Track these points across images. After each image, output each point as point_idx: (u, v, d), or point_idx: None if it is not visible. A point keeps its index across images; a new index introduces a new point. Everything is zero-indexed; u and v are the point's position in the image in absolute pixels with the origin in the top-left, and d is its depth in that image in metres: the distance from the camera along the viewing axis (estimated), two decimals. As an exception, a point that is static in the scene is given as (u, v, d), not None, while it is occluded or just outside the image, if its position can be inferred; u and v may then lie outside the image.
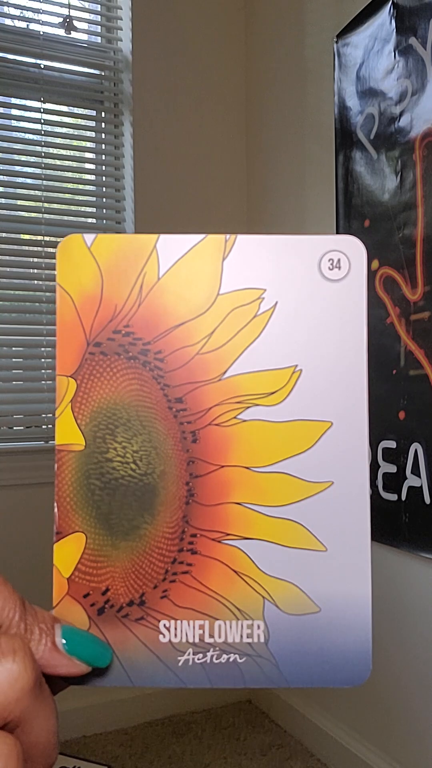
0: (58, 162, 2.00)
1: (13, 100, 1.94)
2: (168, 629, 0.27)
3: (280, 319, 0.28)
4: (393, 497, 1.41)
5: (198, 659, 0.26)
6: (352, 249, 0.28)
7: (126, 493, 0.27)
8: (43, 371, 1.92)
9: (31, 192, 1.97)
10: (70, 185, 2.00)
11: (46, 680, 0.23)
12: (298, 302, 0.28)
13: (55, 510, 0.27)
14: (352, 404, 0.27)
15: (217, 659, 0.26)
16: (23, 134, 1.94)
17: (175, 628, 0.27)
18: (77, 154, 2.13)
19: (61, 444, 0.27)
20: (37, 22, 1.92)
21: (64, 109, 1.95)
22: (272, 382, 0.27)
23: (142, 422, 0.27)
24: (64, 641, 0.24)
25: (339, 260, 0.28)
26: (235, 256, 0.28)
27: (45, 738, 0.23)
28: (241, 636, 0.27)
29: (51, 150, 1.94)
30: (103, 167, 2.03)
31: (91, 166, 2.08)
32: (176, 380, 0.27)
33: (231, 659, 0.26)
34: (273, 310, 0.28)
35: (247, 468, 0.27)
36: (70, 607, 0.27)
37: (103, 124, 2.03)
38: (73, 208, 1.99)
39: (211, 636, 0.27)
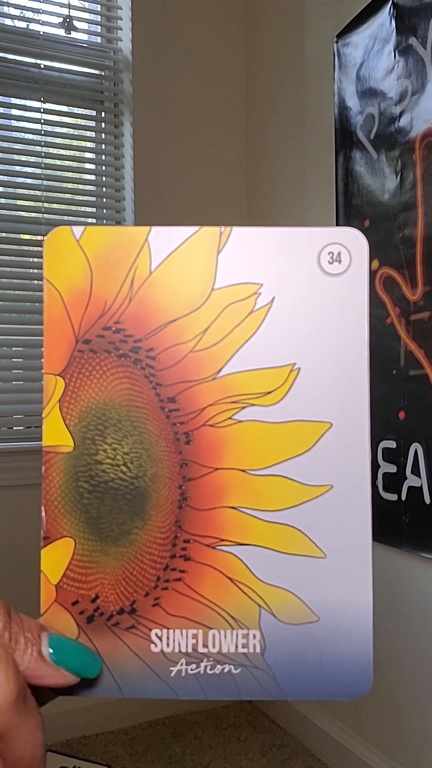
0: (58, 162, 1.99)
1: (13, 100, 1.93)
2: (160, 638, 0.26)
3: (278, 316, 0.26)
4: (393, 497, 1.40)
5: (191, 670, 0.25)
6: (353, 242, 0.26)
7: (116, 496, 0.26)
8: (42, 371, 1.91)
9: (31, 192, 1.97)
10: (70, 185, 2.00)
11: (33, 691, 0.23)
12: (297, 298, 0.26)
13: (43, 514, 0.26)
14: (353, 404, 0.26)
15: (211, 670, 0.25)
16: (23, 134, 1.94)
17: (168, 638, 0.25)
18: (77, 154, 2.12)
19: (48, 445, 0.26)
20: (37, 22, 1.91)
21: (64, 109, 1.95)
22: (269, 381, 0.26)
23: (133, 423, 0.26)
24: (51, 651, 0.23)
25: (339, 253, 0.26)
26: (230, 249, 0.26)
27: (30, 752, 0.22)
28: (236, 646, 0.25)
29: (51, 150, 1.94)
30: (103, 167, 2.02)
31: (91, 166, 2.07)
32: (169, 379, 0.26)
33: (225, 670, 0.25)
34: (270, 306, 0.26)
35: (242, 471, 0.26)
36: (58, 614, 0.25)
37: (103, 124, 2.03)
38: (73, 208, 1.98)
39: (205, 646, 0.25)
